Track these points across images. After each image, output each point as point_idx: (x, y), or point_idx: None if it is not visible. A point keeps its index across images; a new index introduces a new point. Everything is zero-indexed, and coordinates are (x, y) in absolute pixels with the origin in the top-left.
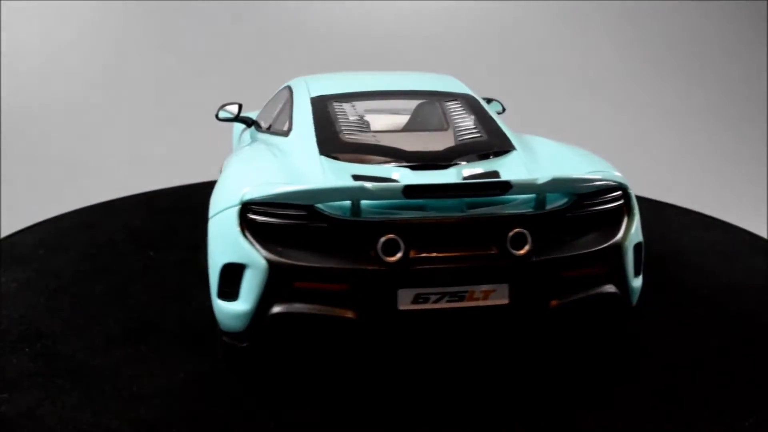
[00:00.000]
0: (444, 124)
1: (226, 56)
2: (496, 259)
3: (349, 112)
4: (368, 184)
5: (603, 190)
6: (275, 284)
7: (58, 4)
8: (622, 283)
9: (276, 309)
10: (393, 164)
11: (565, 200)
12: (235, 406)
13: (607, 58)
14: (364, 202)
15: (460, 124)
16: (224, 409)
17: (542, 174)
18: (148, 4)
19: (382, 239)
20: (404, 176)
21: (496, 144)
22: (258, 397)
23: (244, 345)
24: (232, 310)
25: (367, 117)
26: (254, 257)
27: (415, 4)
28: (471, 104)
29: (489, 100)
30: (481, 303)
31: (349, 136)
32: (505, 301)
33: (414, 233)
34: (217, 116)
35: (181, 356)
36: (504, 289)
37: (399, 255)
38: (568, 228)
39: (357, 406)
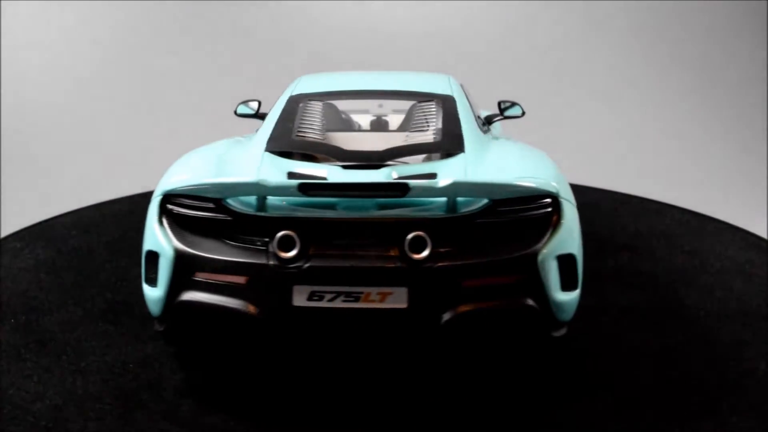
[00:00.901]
0: (406, 124)
1: (227, 56)
2: (394, 261)
3: (316, 111)
4: (269, 180)
5: (526, 198)
6: (181, 273)
7: (58, 4)
8: (541, 296)
9: (181, 297)
10: (328, 163)
11: (479, 205)
12: (163, 389)
13: (608, 58)
14: (273, 199)
15: (419, 125)
16: (153, 392)
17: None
18: (149, 5)
19: (279, 235)
20: (333, 174)
21: (444, 146)
22: (179, 383)
23: (161, 329)
24: (151, 295)
25: (354, 116)
26: (165, 246)
27: (427, 4)
28: (445, 106)
29: (511, 104)
30: (377, 305)
31: (299, 135)
32: (404, 306)
33: (312, 231)
34: (235, 112)
35: (144, 338)
36: (402, 292)
37: (294, 251)
38: (478, 234)
39: (283, 401)
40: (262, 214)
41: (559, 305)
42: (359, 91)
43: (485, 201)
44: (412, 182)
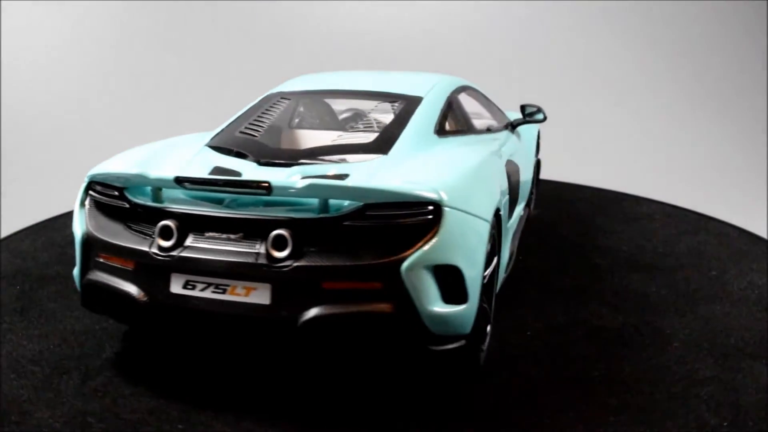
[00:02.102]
0: (355, 124)
1: (229, 57)
2: (258, 258)
3: (278, 109)
4: (149, 173)
5: (403, 204)
6: (87, 253)
7: (59, 5)
8: (407, 306)
9: (88, 275)
10: (249, 159)
11: (348, 208)
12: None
13: (608, 58)
14: (171, 192)
15: (363, 125)
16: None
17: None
18: (149, 5)
19: (159, 224)
20: (246, 171)
21: (367, 147)
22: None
23: (82, 304)
24: (74, 272)
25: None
26: (78, 227)
27: (429, 4)
28: (405, 107)
29: (536, 109)
30: (242, 299)
31: (243, 131)
32: (266, 302)
33: (189, 223)
34: None
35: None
36: (266, 289)
37: (172, 241)
38: (345, 237)
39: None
40: (150, 204)
41: (436, 318)
42: (333, 91)
43: (355, 204)
44: (274, 182)
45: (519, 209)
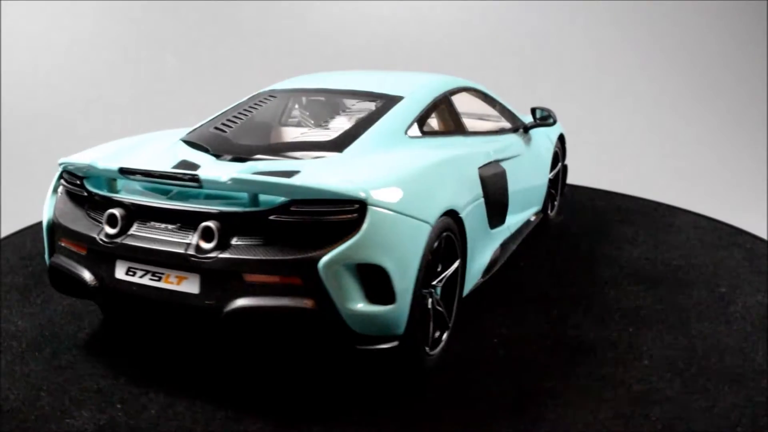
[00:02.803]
0: (324, 122)
1: (230, 57)
2: (189, 248)
3: (261, 107)
4: (97, 164)
5: (329, 201)
6: (51, 238)
7: (59, 5)
8: (327, 303)
9: (52, 258)
10: (210, 154)
11: (275, 203)
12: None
13: (608, 58)
14: (126, 183)
15: (329, 124)
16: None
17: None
18: (149, 5)
19: (107, 212)
20: (205, 165)
21: (327, 145)
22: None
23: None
24: (45, 256)
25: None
26: (45, 213)
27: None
28: (379, 107)
29: (547, 113)
30: (175, 287)
31: (215, 127)
32: (196, 291)
33: (136, 213)
34: None
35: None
36: (196, 279)
37: (117, 229)
38: (270, 231)
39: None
40: (101, 192)
41: (358, 317)
42: (317, 90)
43: (282, 199)
44: (202, 175)
45: (522, 215)
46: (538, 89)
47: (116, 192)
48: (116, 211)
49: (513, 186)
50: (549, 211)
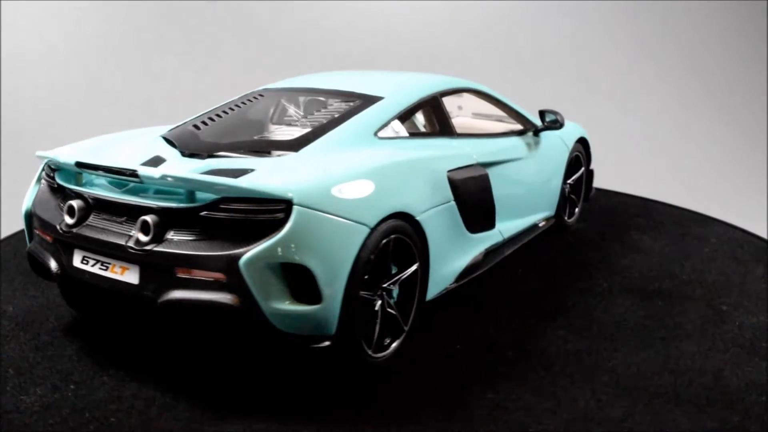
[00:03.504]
0: (295, 120)
1: (231, 57)
2: (129, 240)
3: (244, 105)
4: (58, 158)
5: (256, 200)
6: (29, 226)
7: (59, 4)
8: (249, 300)
9: (29, 246)
10: (177, 150)
11: (206, 200)
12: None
13: (608, 58)
14: (90, 176)
15: (300, 124)
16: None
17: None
18: (149, 4)
19: (66, 204)
20: (170, 160)
21: (287, 145)
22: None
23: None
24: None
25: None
26: (25, 202)
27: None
28: (357, 107)
29: (554, 117)
30: (119, 277)
31: (194, 124)
32: (135, 281)
33: (91, 205)
34: None
35: None
36: (136, 270)
37: (74, 219)
38: (201, 227)
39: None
40: (64, 184)
41: (282, 315)
42: (301, 89)
43: (213, 196)
44: (140, 171)
45: (522, 220)
46: (550, 90)
47: (81, 185)
48: (75, 203)
49: (506, 190)
50: (566, 217)
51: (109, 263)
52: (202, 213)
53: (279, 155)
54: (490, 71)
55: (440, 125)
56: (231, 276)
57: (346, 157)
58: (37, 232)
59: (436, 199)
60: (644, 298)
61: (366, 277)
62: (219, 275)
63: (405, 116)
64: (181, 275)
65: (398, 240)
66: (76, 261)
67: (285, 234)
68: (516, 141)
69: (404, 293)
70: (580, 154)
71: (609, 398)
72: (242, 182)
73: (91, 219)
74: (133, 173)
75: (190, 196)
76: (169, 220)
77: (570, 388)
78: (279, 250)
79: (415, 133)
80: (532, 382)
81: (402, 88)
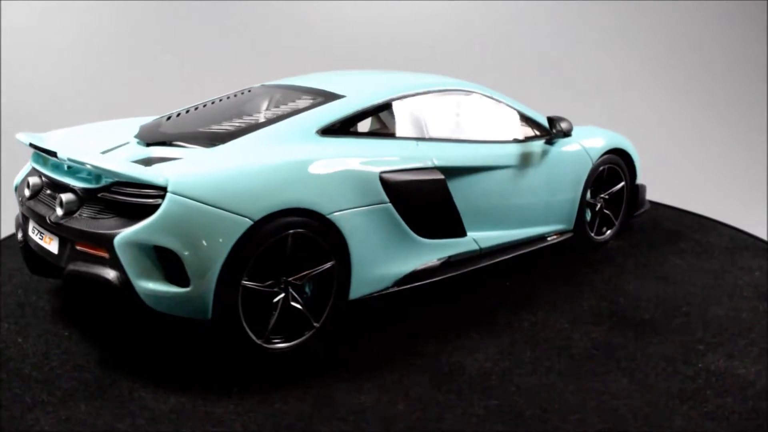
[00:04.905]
0: (251, 115)
1: (232, 57)
2: (51, 215)
3: (229, 99)
4: (22, 138)
5: (140, 185)
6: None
7: (59, 4)
8: (125, 277)
9: (15, 218)
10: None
11: (103, 182)
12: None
13: (607, 59)
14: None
15: (252, 118)
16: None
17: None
18: (148, 4)
19: (27, 180)
20: (131, 148)
21: (218, 137)
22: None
23: None
24: None
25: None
26: (17, 178)
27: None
28: (313, 104)
29: (559, 130)
30: (48, 246)
31: (167, 119)
32: (56, 251)
33: (43, 183)
34: None
35: None
36: (56, 241)
37: (29, 194)
38: (100, 207)
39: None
40: (31, 163)
41: (151, 295)
42: (283, 86)
43: (108, 179)
44: (59, 154)
45: (513, 231)
46: (558, 93)
47: (45, 165)
48: (31, 179)
49: (484, 198)
50: (593, 233)
51: (43, 234)
52: (99, 194)
53: (212, 147)
54: (511, 74)
55: (408, 126)
56: (111, 253)
57: (262, 152)
58: (18, 205)
59: (360, 199)
60: (617, 326)
61: (252, 268)
62: (103, 252)
63: (361, 116)
64: (80, 249)
65: (301, 236)
66: (30, 231)
67: (155, 218)
68: (509, 148)
69: (321, 290)
70: (618, 167)
71: (493, 417)
72: (121, 168)
73: (41, 194)
74: (54, 154)
75: (97, 178)
76: (82, 199)
77: (453, 404)
78: (149, 232)
79: (369, 133)
80: (417, 388)
81: (370, 87)
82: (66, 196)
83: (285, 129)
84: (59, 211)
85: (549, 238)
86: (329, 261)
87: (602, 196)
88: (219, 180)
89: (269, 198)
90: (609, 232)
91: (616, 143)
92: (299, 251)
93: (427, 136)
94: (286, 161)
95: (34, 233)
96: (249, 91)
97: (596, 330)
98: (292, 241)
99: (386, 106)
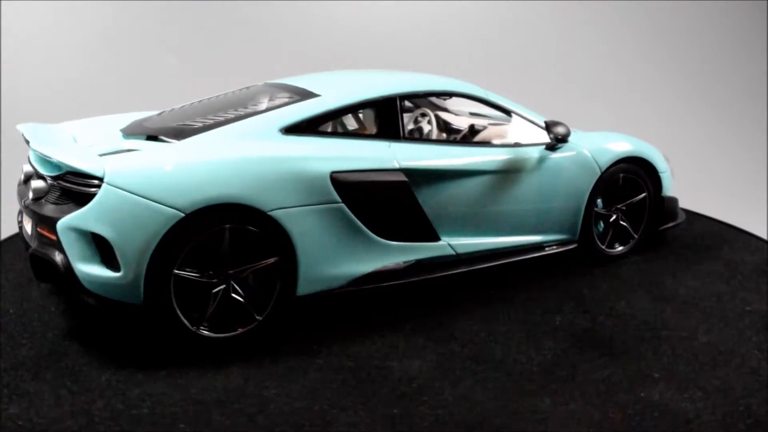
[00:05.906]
0: (230, 112)
1: (233, 57)
2: (27, 199)
3: (227, 96)
4: (25, 132)
5: (83, 175)
6: None
7: (59, 4)
8: (66, 260)
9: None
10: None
11: (62, 171)
12: None
13: (608, 58)
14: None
15: (228, 115)
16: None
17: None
18: (148, 4)
19: (23, 169)
20: (117, 140)
21: (185, 132)
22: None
23: None
24: None
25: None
26: (24, 168)
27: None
28: (285, 103)
29: (557, 135)
30: (28, 228)
31: (158, 114)
32: (30, 232)
33: (33, 172)
34: None
35: None
36: (31, 223)
37: (22, 181)
38: (58, 194)
39: None
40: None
41: (86, 277)
42: (274, 85)
43: (63, 169)
44: (31, 144)
45: (492, 239)
46: (556, 94)
47: (32, 155)
48: (25, 167)
49: (462, 203)
50: (604, 246)
51: (24, 216)
52: (55, 182)
53: (176, 142)
54: (515, 75)
55: (384, 127)
56: (57, 237)
57: (215, 148)
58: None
59: (307, 198)
60: (577, 345)
61: (186, 258)
62: (52, 235)
63: (335, 115)
64: (39, 231)
65: (240, 231)
66: (23, 219)
67: (91, 206)
68: (493, 152)
69: (265, 285)
70: (638, 177)
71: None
72: (66, 159)
73: (30, 182)
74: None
75: (58, 167)
76: (50, 186)
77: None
78: (85, 219)
79: (339, 133)
80: (332, 385)
81: (348, 88)
82: (36, 183)
83: (248, 126)
84: (30, 195)
85: (547, 248)
86: (272, 257)
87: (619, 206)
88: (155, 173)
89: (201, 192)
90: (621, 246)
91: (634, 151)
92: (240, 245)
93: (402, 138)
94: (227, 158)
95: (21, 215)
96: (248, 89)
97: (552, 347)
98: (230, 235)
99: (361, 107)
